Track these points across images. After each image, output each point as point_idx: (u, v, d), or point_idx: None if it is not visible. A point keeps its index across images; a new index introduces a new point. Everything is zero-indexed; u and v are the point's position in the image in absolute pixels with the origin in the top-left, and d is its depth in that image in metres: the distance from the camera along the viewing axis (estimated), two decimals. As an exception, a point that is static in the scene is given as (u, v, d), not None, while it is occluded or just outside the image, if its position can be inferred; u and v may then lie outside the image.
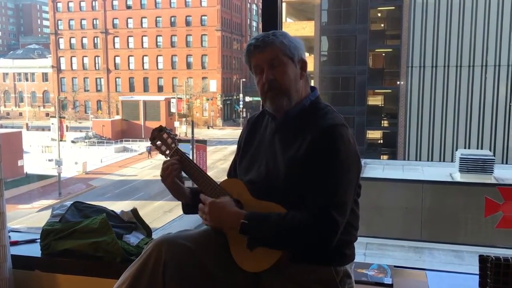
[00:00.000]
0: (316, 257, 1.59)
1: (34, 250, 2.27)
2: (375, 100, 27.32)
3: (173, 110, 44.71)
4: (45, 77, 58.99)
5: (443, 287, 2.03)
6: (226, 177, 1.85)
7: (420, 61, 23.69)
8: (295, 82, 1.66)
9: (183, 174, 1.79)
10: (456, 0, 23.09)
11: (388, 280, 2.03)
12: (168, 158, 1.80)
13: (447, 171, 13.05)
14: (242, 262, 1.61)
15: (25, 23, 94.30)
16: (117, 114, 48.90)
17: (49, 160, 28.89)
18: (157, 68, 55.43)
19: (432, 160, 22.53)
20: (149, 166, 28.78)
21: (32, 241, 2.40)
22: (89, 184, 26.22)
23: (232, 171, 1.87)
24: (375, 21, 27.40)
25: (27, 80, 59.22)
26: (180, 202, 1.87)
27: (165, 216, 18.31)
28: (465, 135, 23.30)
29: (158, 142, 1.81)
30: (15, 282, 2.22)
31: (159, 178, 1.78)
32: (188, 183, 1.83)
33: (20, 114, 57.73)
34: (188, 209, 1.85)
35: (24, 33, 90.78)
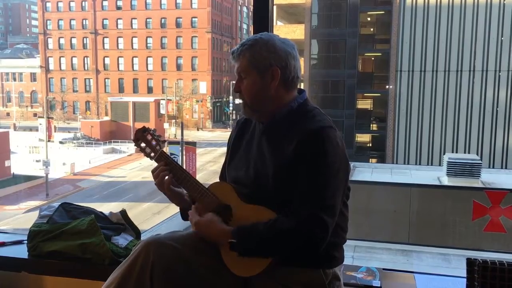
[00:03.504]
0: (305, 259, 1.59)
1: (21, 252, 2.23)
2: (364, 104, 27.50)
3: (162, 111, 44.56)
4: (33, 77, 58.48)
5: (431, 289, 2.05)
6: (216, 180, 1.85)
7: (409, 65, 23.90)
8: (262, 93, 1.65)
9: None
10: (445, 6, 23.34)
11: (376, 283, 2.03)
12: (153, 161, 1.77)
13: (435, 175, 13.18)
14: (234, 267, 1.60)
15: (13, 23, 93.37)
16: (106, 115, 48.61)
17: (37, 161, 28.63)
18: (147, 69, 55.23)
19: (420, 164, 22.72)
20: (138, 167, 28.63)
21: (19, 242, 2.37)
22: (77, 185, 26.01)
23: (224, 174, 1.86)
24: (364, 25, 27.58)
25: (15, 80, 58.64)
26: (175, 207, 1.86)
27: (154, 217, 18.21)
28: (453, 139, 23.53)
29: (142, 144, 1.76)
30: (1, 284, 2.19)
31: (148, 179, 1.77)
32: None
33: (8, 114, 57.14)
34: (187, 215, 1.81)
35: (12, 33, 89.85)
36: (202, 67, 53.86)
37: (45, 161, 25.05)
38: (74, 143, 38.21)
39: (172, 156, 1.80)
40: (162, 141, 1.77)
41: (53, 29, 57.36)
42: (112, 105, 46.32)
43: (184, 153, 19.21)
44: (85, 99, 56.18)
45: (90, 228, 2.13)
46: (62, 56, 57.29)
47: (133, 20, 55.31)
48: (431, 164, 22.51)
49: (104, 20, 56.14)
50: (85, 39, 56.68)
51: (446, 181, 12.12)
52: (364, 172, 14.04)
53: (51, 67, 57.49)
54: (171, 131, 42.61)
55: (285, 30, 27.85)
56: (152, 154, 1.75)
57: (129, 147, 35.87)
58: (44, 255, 2.15)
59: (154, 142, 1.75)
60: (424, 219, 9.76)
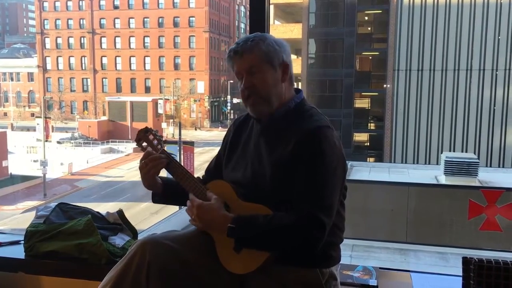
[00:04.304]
0: (302, 259, 1.60)
1: (18, 252, 2.23)
2: (361, 103, 27.52)
3: (160, 111, 44.52)
4: (30, 77, 58.35)
5: (427, 288, 2.05)
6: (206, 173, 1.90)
7: (406, 64, 23.93)
8: (275, 87, 1.66)
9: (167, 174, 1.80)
10: (442, 6, 23.37)
11: (373, 282, 2.04)
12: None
13: (433, 174, 13.17)
14: (229, 264, 1.61)
15: (10, 22, 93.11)
16: (104, 114, 48.54)
17: (34, 161, 28.58)
18: (145, 69, 55.18)
19: (417, 163, 22.74)
20: (135, 167, 28.59)
21: (16, 242, 2.36)
22: (75, 185, 25.98)
23: (212, 167, 1.88)
24: (362, 25, 27.61)
25: (12, 79, 58.51)
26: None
27: (152, 217, 18.21)
28: (450, 138, 23.57)
29: (144, 144, 1.80)
30: (-2, 284, 2.19)
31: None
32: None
33: (5, 114, 57.02)
34: (158, 199, 1.85)
35: (9, 32, 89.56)
36: (200, 66, 53.82)
37: (42, 161, 25.01)
38: (72, 143, 38.14)
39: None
40: (164, 141, 1.80)
41: (51, 28, 57.25)
42: (110, 104, 46.26)
43: (181, 152, 19.19)
44: (83, 98, 56.08)
45: (87, 228, 2.13)
46: (60, 56, 57.18)
47: (130, 19, 55.23)
48: (429, 163, 22.54)
49: (102, 20, 56.05)
50: (82, 38, 56.58)
51: (443, 180, 12.13)
52: (362, 171, 14.03)
53: (49, 66, 57.38)
54: (169, 130, 42.59)
55: (283, 30, 27.86)
56: (154, 153, 1.78)
57: (127, 147, 35.86)
58: (40, 255, 2.15)
59: (155, 142, 1.79)
60: (421, 218, 9.78)
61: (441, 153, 18.24)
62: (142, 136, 1.80)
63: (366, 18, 27.84)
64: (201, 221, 1.62)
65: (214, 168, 1.87)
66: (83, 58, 56.68)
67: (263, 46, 1.65)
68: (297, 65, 26.26)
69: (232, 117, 50.83)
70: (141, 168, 1.76)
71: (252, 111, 1.70)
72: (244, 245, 1.57)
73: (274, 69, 1.66)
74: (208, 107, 53.55)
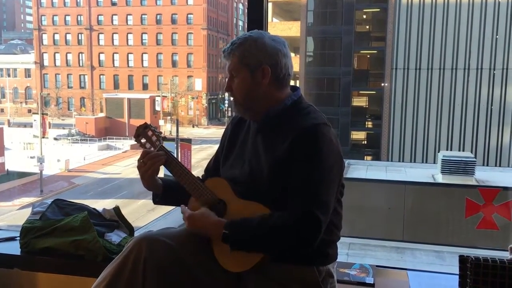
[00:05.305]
0: (298, 257, 1.59)
1: (14, 248, 2.22)
2: (359, 101, 27.52)
3: (158, 108, 44.44)
4: (27, 73, 58.13)
5: (424, 286, 2.05)
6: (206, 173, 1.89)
7: (404, 63, 23.95)
8: (254, 92, 1.66)
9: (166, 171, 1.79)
10: (440, 5, 23.38)
11: (370, 280, 2.04)
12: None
13: (429, 173, 13.22)
14: (225, 262, 1.60)
15: (7, 18, 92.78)
16: (101, 111, 48.44)
17: (31, 157, 28.50)
18: (142, 66, 55.04)
19: (414, 161, 22.78)
20: (133, 164, 28.56)
21: (12, 238, 2.36)
22: (72, 182, 25.92)
23: (211, 166, 1.88)
24: (360, 23, 27.59)
25: (9, 76, 58.28)
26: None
27: (148, 214, 18.19)
28: (447, 137, 23.61)
29: (143, 140, 1.79)
30: (-7, 280, 2.19)
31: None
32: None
33: (2, 110, 56.80)
34: (158, 200, 1.84)
35: (6, 28, 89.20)
36: (198, 63, 53.74)
37: (39, 158, 24.95)
38: (69, 139, 38.06)
39: None
40: (163, 137, 1.79)
41: (48, 25, 57.02)
42: (107, 101, 46.17)
43: (179, 150, 19.16)
44: (80, 95, 55.93)
45: (83, 225, 2.13)
46: (57, 52, 56.98)
47: (128, 16, 55.07)
48: (426, 162, 22.57)
49: (99, 16, 55.87)
50: (80, 35, 56.39)
51: (440, 178, 12.16)
52: (359, 169, 14.05)
53: (46, 63, 57.16)
54: (166, 128, 42.51)
55: (281, 27, 27.84)
56: (152, 149, 1.78)
57: (124, 144, 35.79)
58: (36, 251, 2.15)
59: (154, 138, 1.79)
60: (418, 216, 9.80)
61: (438, 151, 18.27)
62: (141, 132, 1.80)
63: (364, 16, 27.82)
64: (194, 230, 1.62)
65: (213, 166, 1.87)
66: (80, 54, 56.50)
67: (240, 51, 1.64)
68: (295, 63, 25.69)
69: (229, 114, 50.77)
70: (139, 167, 1.75)
71: (235, 111, 1.75)
72: (239, 248, 1.57)
73: (251, 73, 1.64)
74: (206, 104, 53.48)
